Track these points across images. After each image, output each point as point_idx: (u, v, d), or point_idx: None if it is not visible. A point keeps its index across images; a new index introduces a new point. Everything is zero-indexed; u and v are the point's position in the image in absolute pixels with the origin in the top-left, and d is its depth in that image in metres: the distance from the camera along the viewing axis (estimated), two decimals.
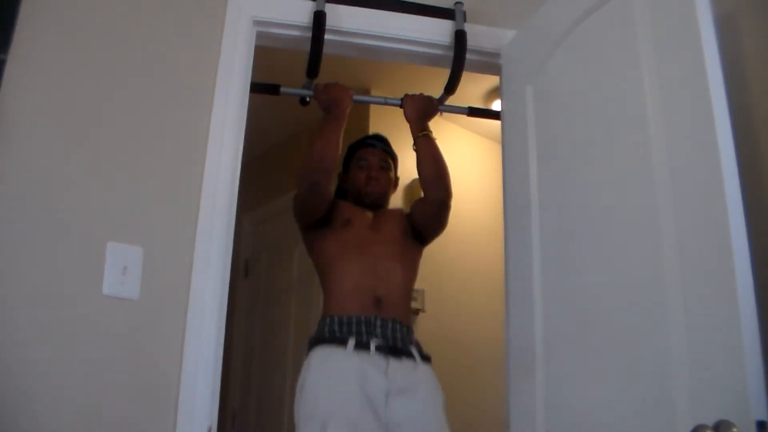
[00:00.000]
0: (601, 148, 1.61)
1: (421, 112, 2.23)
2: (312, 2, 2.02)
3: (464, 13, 2.13)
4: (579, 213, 1.66)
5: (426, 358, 2.06)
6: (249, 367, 3.70)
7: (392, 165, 2.35)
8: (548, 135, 1.84)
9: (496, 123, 2.21)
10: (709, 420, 1.07)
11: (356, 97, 2.19)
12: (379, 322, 1.98)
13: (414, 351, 2.02)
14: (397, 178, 2.38)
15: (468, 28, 2.10)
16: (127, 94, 1.77)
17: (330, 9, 2.01)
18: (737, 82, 1.39)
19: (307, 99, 2.21)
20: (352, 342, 1.93)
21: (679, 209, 1.32)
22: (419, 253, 2.27)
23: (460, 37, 2.08)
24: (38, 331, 1.52)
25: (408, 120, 2.24)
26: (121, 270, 1.63)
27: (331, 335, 1.97)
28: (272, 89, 2.17)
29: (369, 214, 2.23)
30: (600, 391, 1.47)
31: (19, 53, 1.60)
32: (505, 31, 2.12)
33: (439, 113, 2.30)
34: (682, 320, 1.26)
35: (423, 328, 3.02)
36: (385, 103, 2.26)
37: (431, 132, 2.22)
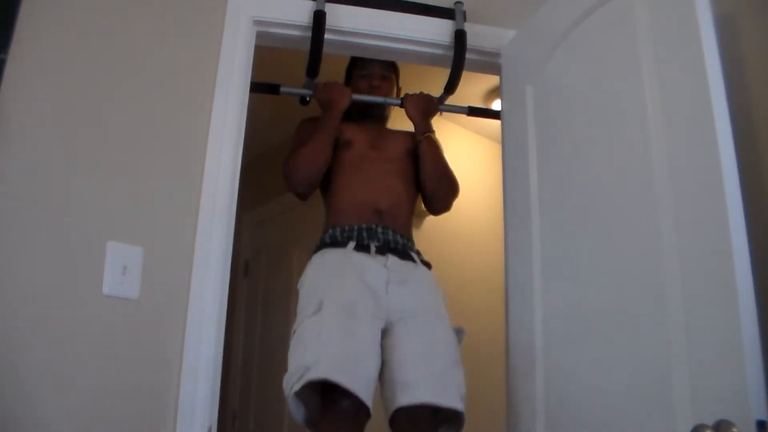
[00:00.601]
0: (600, 148, 1.61)
1: (423, 111, 2.23)
2: (312, 2, 2.02)
3: (464, 13, 2.13)
4: (579, 213, 1.66)
5: (426, 264, 2.03)
6: (249, 367, 3.70)
7: (394, 77, 2.33)
8: (548, 135, 1.84)
9: (496, 123, 2.21)
10: (709, 420, 1.07)
11: (356, 97, 2.19)
12: (380, 229, 1.96)
13: (414, 255, 2.00)
14: (399, 89, 2.35)
15: (468, 27, 2.10)
16: (127, 93, 1.77)
17: (330, 9, 2.01)
18: (737, 82, 1.39)
19: (307, 98, 2.21)
20: (352, 244, 1.92)
21: (679, 209, 1.33)
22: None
23: (460, 36, 2.08)
24: (38, 331, 1.52)
25: (411, 119, 2.23)
26: (121, 270, 1.63)
27: (332, 240, 1.96)
28: (272, 89, 2.17)
29: (371, 131, 2.20)
30: (600, 391, 1.47)
31: (19, 53, 1.59)
32: (505, 31, 2.12)
33: (439, 113, 2.29)
34: (682, 320, 1.27)
35: None
36: (385, 103, 2.26)
37: (434, 132, 2.21)
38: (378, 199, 2.02)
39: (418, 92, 2.25)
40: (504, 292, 1.97)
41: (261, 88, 2.10)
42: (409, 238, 2.05)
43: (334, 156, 2.09)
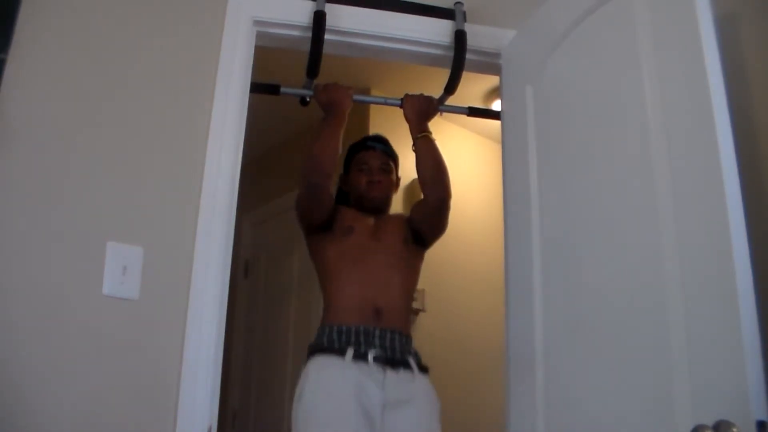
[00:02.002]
0: (601, 148, 1.61)
1: (420, 113, 2.23)
2: (312, 2, 2.02)
3: (464, 13, 2.13)
4: (579, 213, 1.66)
5: (424, 369, 2.05)
6: (249, 367, 3.70)
7: (393, 167, 2.34)
8: (548, 135, 1.84)
9: (496, 123, 2.21)
10: (709, 420, 1.07)
11: (356, 97, 2.19)
12: (377, 332, 1.98)
13: (412, 362, 2.01)
14: (398, 179, 2.37)
15: (468, 28, 2.10)
16: (127, 94, 1.77)
17: (330, 9, 2.01)
18: (737, 82, 1.39)
19: (307, 99, 2.21)
20: (350, 353, 1.93)
21: (679, 209, 1.32)
22: (420, 258, 2.25)
23: (460, 37, 2.08)
24: (38, 331, 1.52)
25: (407, 120, 2.24)
26: (121, 270, 1.62)
27: (329, 344, 1.97)
28: (272, 89, 2.17)
29: (370, 221, 2.22)
30: (600, 392, 1.47)
31: (19, 53, 1.60)
32: (505, 31, 2.11)
33: (439, 113, 2.29)
34: (682, 320, 1.26)
35: (423, 328, 3.02)
36: (385, 103, 2.26)
37: (431, 133, 2.22)
38: (377, 295, 2.03)
39: (418, 93, 2.26)
40: (504, 292, 1.96)
41: (261, 88, 2.10)
42: (408, 335, 2.07)
43: (335, 242, 2.12)
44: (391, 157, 2.34)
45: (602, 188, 1.59)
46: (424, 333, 2.94)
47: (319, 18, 1.98)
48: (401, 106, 2.25)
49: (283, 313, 3.58)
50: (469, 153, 3.54)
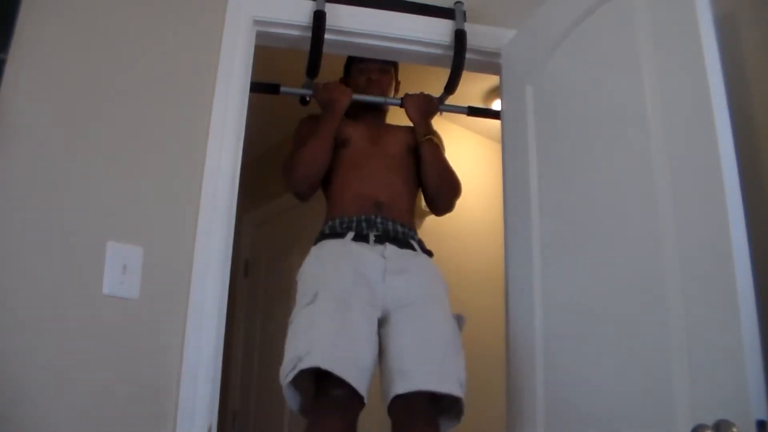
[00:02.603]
0: (601, 148, 1.61)
1: (423, 112, 2.23)
2: (312, 2, 2.02)
3: (464, 13, 2.13)
4: (579, 213, 1.66)
5: (428, 252, 2.02)
6: (249, 367, 3.70)
7: (393, 71, 2.32)
8: (548, 135, 1.84)
9: (496, 123, 2.21)
10: (709, 420, 1.07)
11: (356, 97, 2.19)
12: (379, 220, 1.95)
13: (414, 243, 1.98)
14: (398, 82, 2.35)
15: (468, 27, 2.10)
16: (127, 93, 1.77)
17: (330, 9, 2.01)
18: (737, 82, 1.39)
19: (307, 98, 2.21)
20: (351, 234, 1.91)
21: (679, 210, 1.33)
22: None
23: (460, 36, 2.08)
24: (38, 331, 1.52)
25: (412, 120, 2.23)
26: (121, 270, 1.63)
27: (331, 231, 1.96)
28: (272, 89, 2.17)
29: (368, 128, 2.19)
30: (600, 391, 1.47)
31: (19, 53, 1.60)
32: (505, 31, 2.12)
33: (439, 113, 2.29)
34: (682, 320, 1.27)
35: None
36: (385, 103, 2.26)
37: (436, 134, 2.21)
38: (377, 192, 2.01)
39: (418, 92, 2.25)
40: (504, 292, 1.96)
41: (261, 88, 2.10)
42: (411, 227, 2.03)
43: (333, 154, 2.09)
44: (392, 62, 2.32)
45: (602, 188, 1.59)
46: None
47: (319, 18, 1.98)
48: (402, 106, 2.25)
49: (283, 313, 3.57)
50: (469, 153, 3.54)
